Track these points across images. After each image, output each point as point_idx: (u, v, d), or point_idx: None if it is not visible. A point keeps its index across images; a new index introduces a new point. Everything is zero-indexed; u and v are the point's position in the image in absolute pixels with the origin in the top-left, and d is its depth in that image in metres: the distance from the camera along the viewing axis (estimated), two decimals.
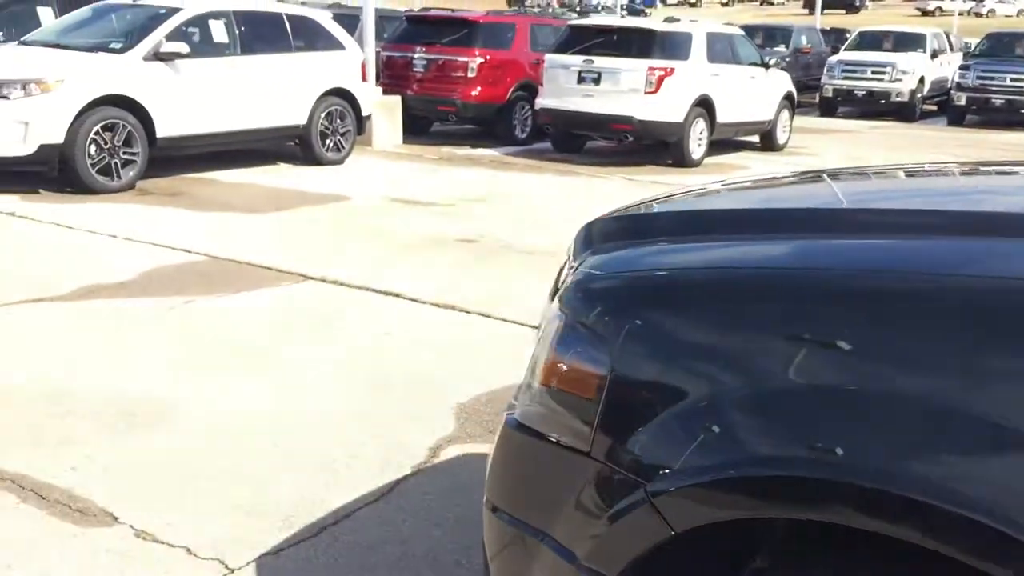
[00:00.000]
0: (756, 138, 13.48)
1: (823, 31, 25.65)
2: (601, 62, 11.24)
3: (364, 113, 11.00)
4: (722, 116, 11.88)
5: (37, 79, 8.05)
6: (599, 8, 42.02)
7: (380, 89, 12.32)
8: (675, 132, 11.28)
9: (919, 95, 19.61)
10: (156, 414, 3.85)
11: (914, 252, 1.54)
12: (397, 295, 5.71)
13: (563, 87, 11.45)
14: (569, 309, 1.69)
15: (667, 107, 11.10)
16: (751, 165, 12.05)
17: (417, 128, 12.93)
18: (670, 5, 75.31)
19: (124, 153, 8.52)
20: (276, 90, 9.91)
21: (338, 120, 10.63)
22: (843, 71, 19.67)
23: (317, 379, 4.33)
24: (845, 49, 21.15)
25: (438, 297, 5.67)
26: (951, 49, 21.92)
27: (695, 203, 2.12)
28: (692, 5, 74.82)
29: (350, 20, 12.75)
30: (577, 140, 12.41)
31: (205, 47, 9.38)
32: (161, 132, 8.81)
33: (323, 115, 10.44)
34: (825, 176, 2.40)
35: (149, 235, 6.94)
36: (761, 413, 1.42)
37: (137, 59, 8.73)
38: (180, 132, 9.02)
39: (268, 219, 7.80)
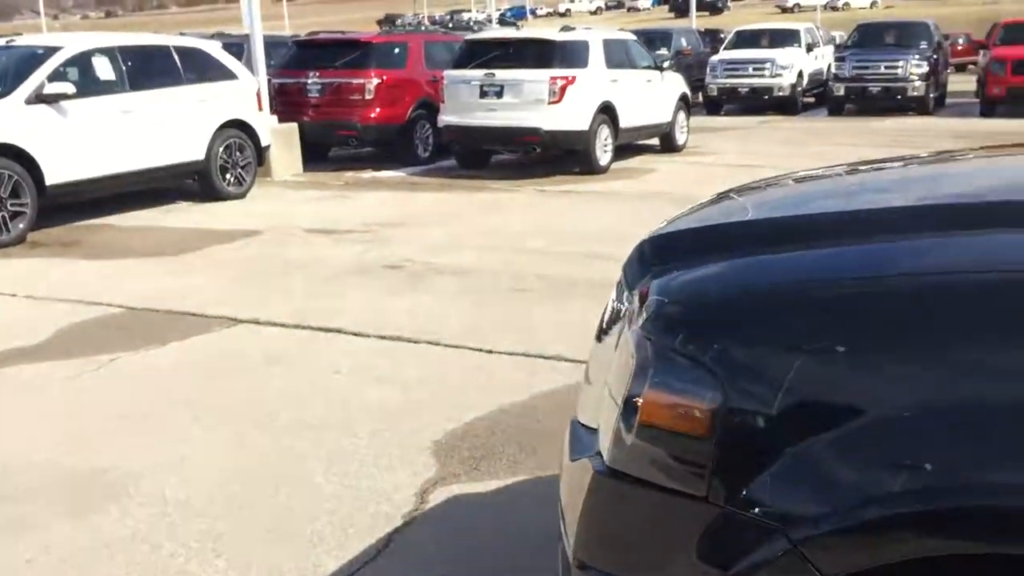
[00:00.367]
0: (656, 141, 13.57)
1: (698, 32, 26.25)
2: (502, 75, 11.13)
3: (263, 143, 10.60)
4: (624, 121, 11.92)
5: None
6: (471, 24, 42.13)
7: (275, 118, 11.92)
8: (581, 140, 11.25)
9: (799, 88, 20.19)
10: (109, 489, 3.49)
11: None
12: (337, 331, 5.42)
13: (466, 102, 11.30)
14: (660, 339, 1.52)
15: (572, 116, 11.06)
16: (657, 167, 12.13)
17: (315, 155, 12.56)
18: (540, 16, 76.29)
19: (12, 205, 7.95)
20: (170, 126, 9.44)
21: (237, 153, 10.21)
22: (725, 70, 20.10)
23: (274, 430, 4.03)
24: (724, 48, 21.64)
25: (380, 328, 5.41)
26: (822, 43, 22.69)
27: (753, 212, 1.97)
28: (562, 15, 75.92)
29: (235, 48, 12.30)
30: (483, 155, 12.26)
31: (91, 86, 8.85)
32: (50, 179, 8.27)
33: (221, 148, 10.00)
34: (859, 168, 2.29)
35: (52, 291, 6.45)
36: (925, 437, 1.26)
37: (19, 103, 8.17)
38: (71, 178, 8.49)
39: (178, 262, 7.37)
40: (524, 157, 12.59)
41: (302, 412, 4.20)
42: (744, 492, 1.39)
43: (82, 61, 8.91)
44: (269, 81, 12.19)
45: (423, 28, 36.25)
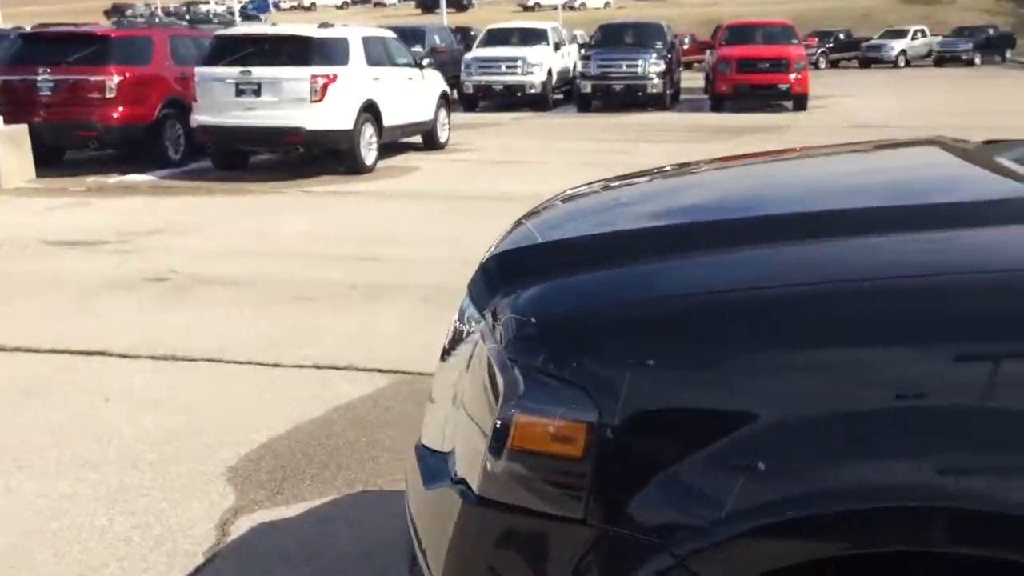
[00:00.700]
0: (419, 139, 13.55)
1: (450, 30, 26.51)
2: (260, 72, 10.67)
3: None
4: (388, 119, 11.80)
5: None
6: (211, 17, 40.27)
7: (1, 119, 10.82)
8: (346, 139, 11.02)
9: (550, 86, 20.89)
10: None
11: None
12: (102, 353, 4.97)
13: (220, 101, 10.74)
14: (525, 360, 1.45)
15: (335, 115, 10.80)
16: (423, 165, 12.11)
17: (48, 159, 11.52)
18: (283, 10, 74.29)
19: None
20: None
21: None
22: (479, 67, 20.44)
23: (42, 471, 3.61)
24: (477, 46, 21.99)
25: (150, 348, 5.02)
26: (567, 41, 23.59)
27: (594, 226, 1.92)
28: (307, 9, 74.34)
29: None
30: (241, 156, 11.73)
31: None
32: None
33: None
34: (703, 169, 2.31)
35: None
36: (783, 446, 1.27)
37: None
38: None
39: None
40: (285, 157, 12.17)
41: (71, 448, 3.80)
42: (624, 511, 1.36)
43: None
44: None
45: (157, 20, 34.13)
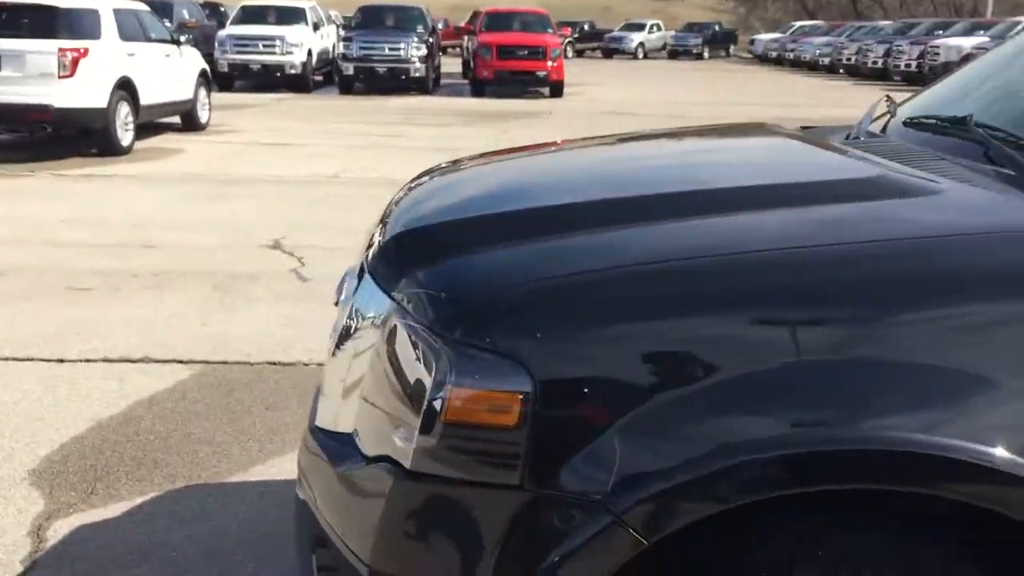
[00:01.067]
0: (178, 119, 12.89)
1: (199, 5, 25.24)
2: (0, 44, 9.73)
3: None
4: (146, 98, 11.13)
5: None
6: None
7: None
8: (99, 119, 10.29)
9: (310, 67, 20.46)
10: None
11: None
12: None
13: None
14: (453, 335, 1.49)
15: (87, 92, 10.05)
16: (185, 147, 11.54)
17: None
18: None
19: None
20: None
21: None
22: (235, 45, 19.68)
23: None
24: (231, 23, 21.13)
25: None
26: (326, 22, 23.18)
27: (497, 201, 1.95)
28: None
29: None
30: None
31: None
32: None
33: None
34: (571, 149, 2.39)
35: None
36: (706, 404, 1.40)
37: None
38: None
39: None
40: (31, 137, 11.20)
41: None
42: (559, 475, 1.43)
43: None
44: None
45: None
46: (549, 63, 19.87)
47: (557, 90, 20.15)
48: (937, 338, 1.37)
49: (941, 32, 27.43)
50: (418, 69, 19.97)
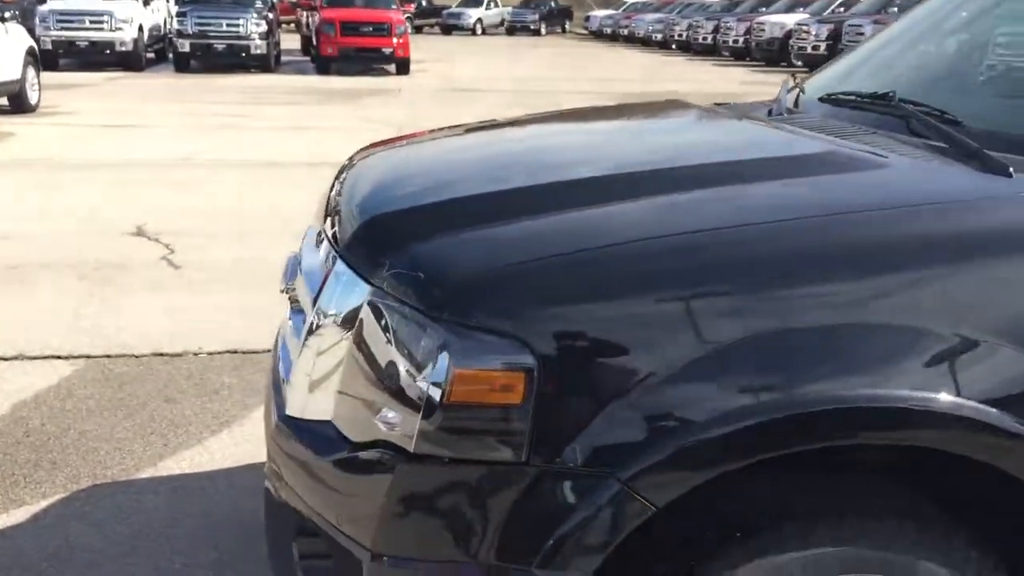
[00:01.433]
0: (6, 101, 12.05)
1: None
2: None
3: None
4: None
5: None
6: None
7: None
8: None
9: (142, 44, 19.50)
10: None
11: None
12: None
13: None
14: (451, 317, 1.51)
15: None
16: (18, 131, 10.82)
17: None
18: None
19: None
20: None
21: None
22: (59, 22, 18.51)
23: None
24: None
25: None
26: None
27: (473, 183, 1.94)
28: None
29: None
30: None
31: None
32: None
33: None
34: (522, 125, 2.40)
35: None
36: (709, 368, 1.48)
37: None
38: None
39: None
40: None
41: None
42: (565, 448, 1.47)
43: None
44: None
45: None
46: (395, 39, 19.66)
47: (403, 67, 19.97)
48: (916, 298, 1.49)
49: (764, 9, 28.73)
50: (259, 46, 19.36)
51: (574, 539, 1.48)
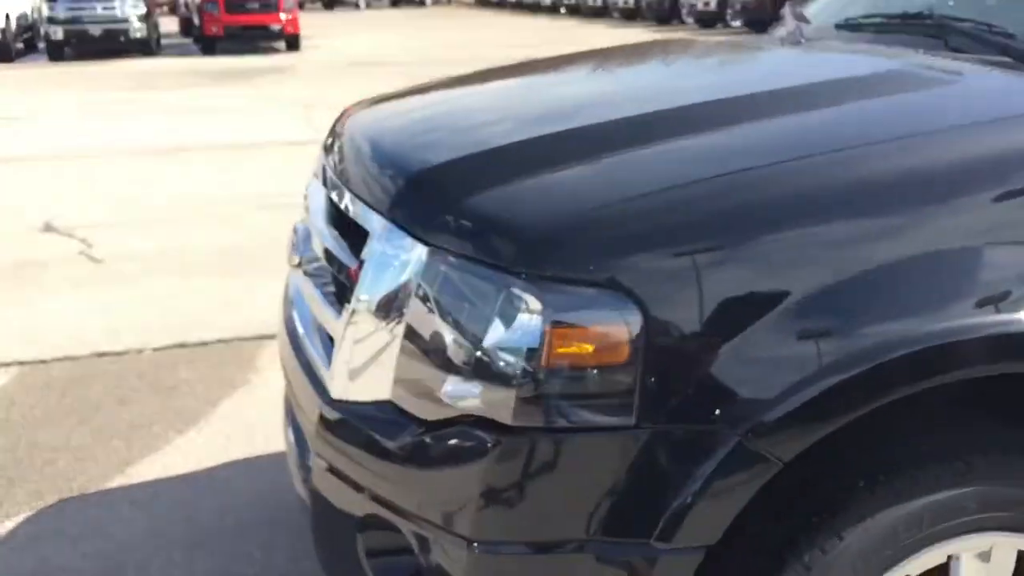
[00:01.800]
0: None
1: None
2: None
3: None
4: None
5: None
6: None
7: None
8: None
9: (11, 34, 18.36)
10: None
11: None
12: None
13: None
14: (543, 271, 1.35)
15: None
16: None
17: None
18: None
19: None
20: None
21: None
22: None
23: None
24: None
25: None
26: None
27: (525, 126, 1.77)
28: None
29: None
30: None
31: None
32: None
33: None
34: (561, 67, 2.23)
35: None
36: (827, 312, 1.35)
37: None
38: None
39: None
40: None
41: None
42: (677, 407, 1.33)
43: None
44: None
45: None
46: (283, 15, 19.02)
47: (294, 44, 19.36)
48: None
49: None
50: (139, 29, 18.46)
51: (695, 505, 1.35)
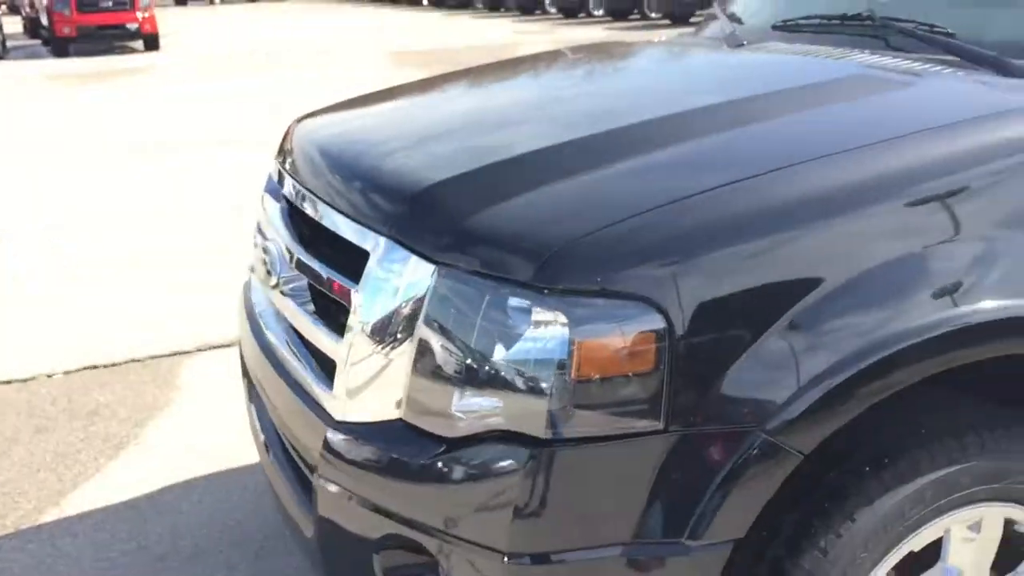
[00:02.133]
0: None
1: None
2: None
3: None
4: None
5: None
6: None
7: None
8: None
9: None
10: None
11: None
12: None
13: None
14: (566, 285, 1.36)
15: None
16: None
17: None
18: None
19: None
20: None
21: None
22: None
23: None
24: None
25: None
26: None
27: (531, 139, 1.74)
28: None
29: None
30: None
31: None
32: None
33: None
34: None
35: None
36: (845, 308, 1.42)
37: None
38: None
39: None
40: None
41: None
42: (705, 409, 1.37)
43: None
44: None
45: None
46: (139, 14, 18.23)
47: (152, 43, 18.59)
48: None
49: None
50: None
51: (724, 502, 1.40)
